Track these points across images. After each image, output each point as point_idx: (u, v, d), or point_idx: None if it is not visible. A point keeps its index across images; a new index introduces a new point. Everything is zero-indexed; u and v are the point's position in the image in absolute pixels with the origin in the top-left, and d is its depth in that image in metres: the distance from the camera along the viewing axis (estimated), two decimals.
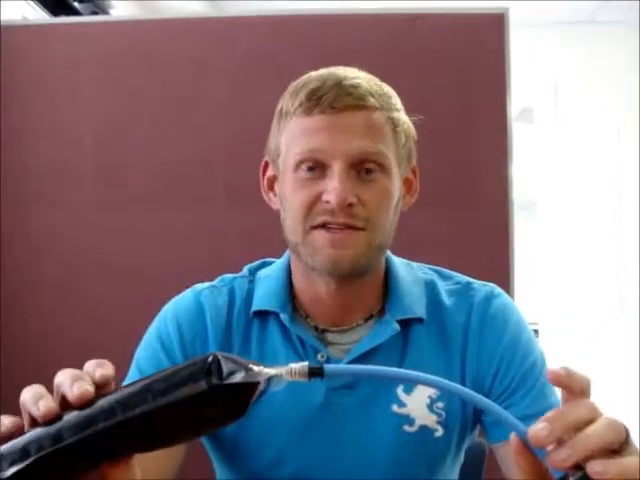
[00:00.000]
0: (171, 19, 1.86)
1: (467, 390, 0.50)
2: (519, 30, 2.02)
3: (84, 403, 0.47)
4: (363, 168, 0.78)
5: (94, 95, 1.80)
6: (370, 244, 0.79)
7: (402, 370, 0.52)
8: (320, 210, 0.77)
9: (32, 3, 2.41)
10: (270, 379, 0.48)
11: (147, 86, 1.80)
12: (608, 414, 0.49)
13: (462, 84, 1.75)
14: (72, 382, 0.48)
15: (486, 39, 1.74)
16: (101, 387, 0.50)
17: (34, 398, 0.48)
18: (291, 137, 0.80)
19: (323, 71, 0.81)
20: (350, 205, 0.76)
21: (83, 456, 0.46)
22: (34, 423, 0.48)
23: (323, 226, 0.77)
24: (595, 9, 3.39)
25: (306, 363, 0.50)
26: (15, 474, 0.44)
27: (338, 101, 0.77)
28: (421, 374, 0.50)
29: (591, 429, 0.47)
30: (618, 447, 0.48)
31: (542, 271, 3.78)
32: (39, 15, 2.45)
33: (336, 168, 0.76)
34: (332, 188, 0.76)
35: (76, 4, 2.60)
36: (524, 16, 2.97)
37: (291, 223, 0.80)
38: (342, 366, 0.54)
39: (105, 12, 2.76)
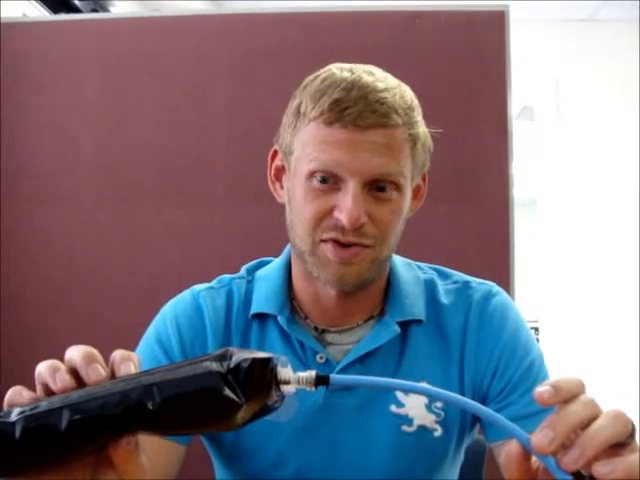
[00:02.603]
0: (172, 17, 1.86)
1: (471, 402, 0.48)
2: (520, 27, 2.02)
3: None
4: (377, 186, 0.76)
5: (94, 93, 1.80)
6: (376, 260, 0.79)
7: (410, 383, 0.51)
8: (330, 225, 0.76)
9: (33, 1, 2.41)
10: (283, 398, 0.49)
11: (147, 84, 1.79)
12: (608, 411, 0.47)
13: (462, 82, 1.75)
14: (86, 363, 0.49)
15: (486, 36, 1.74)
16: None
17: (51, 370, 0.49)
18: (308, 142, 0.77)
19: (347, 74, 0.76)
20: (361, 225, 0.75)
21: (93, 427, 0.46)
22: (48, 394, 0.49)
23: (332, 241, 0.76)
24: (596, 6, 3.38)
25: (314, 372, 0.49)
26: (20, 422, 0.45)
27: (362, 118, 0.73)
28: (427, 387, 0.49)
29: (597, 424, 0.45)
30: (625, 440, 0.46)
31: (542, 269, 3.78)
32: (39, 13, 2.45)
33: (351, 185, 0.74)
34: (345, 207, 0.74)
35: (76, 2, 2.60)
36: (524, 13, 2.96)
37: (300, 232, 0.79)
38: (348, 377, 0.54)
39: (105, 10, 2.76)
